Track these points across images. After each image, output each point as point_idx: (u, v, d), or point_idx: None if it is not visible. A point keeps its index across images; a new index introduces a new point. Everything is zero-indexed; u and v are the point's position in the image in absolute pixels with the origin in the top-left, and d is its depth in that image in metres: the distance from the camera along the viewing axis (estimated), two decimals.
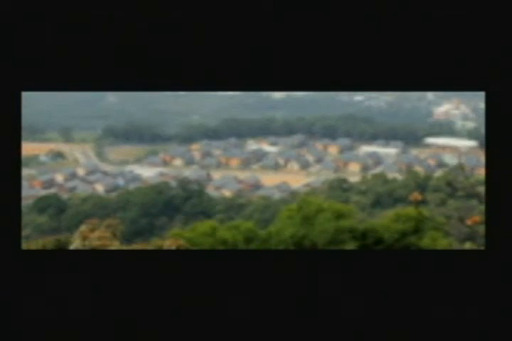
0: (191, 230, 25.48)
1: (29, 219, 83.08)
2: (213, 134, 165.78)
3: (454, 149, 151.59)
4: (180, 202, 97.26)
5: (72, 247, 10.23)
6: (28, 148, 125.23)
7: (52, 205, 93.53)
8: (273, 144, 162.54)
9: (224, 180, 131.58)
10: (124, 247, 10.07)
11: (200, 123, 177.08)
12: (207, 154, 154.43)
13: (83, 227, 10.27)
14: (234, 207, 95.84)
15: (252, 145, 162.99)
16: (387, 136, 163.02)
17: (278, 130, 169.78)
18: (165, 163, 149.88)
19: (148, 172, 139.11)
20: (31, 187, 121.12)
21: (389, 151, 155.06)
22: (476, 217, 6.23)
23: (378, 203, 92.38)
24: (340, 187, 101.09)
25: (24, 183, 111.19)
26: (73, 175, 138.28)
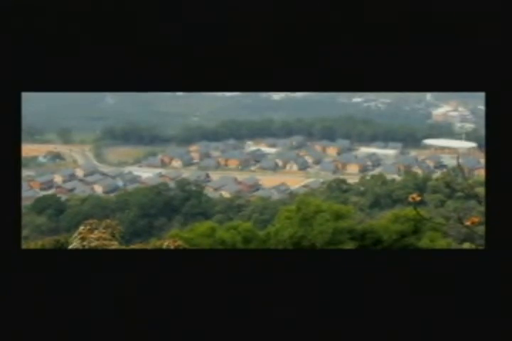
0: (190, 231, 25.56)
1: (28, 220, 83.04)
2: (212, 135, 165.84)
3: (452, 150, 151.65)
4: (179, 203, 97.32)
5: (70, 248, 10.22)
6: (26, 150, 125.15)
7: (51, 206, 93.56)
8: (272, 145, 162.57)
9: (223, 181, 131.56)
10: (123, 248, 10.07)
11: (199, 124, 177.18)
12: (206, 155, 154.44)
13: (82, 228, 10.26)
14: (233, 208, 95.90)
15: (250, 146, 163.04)
16: (386, 137, 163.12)
17: (277, 131, 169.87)
18: (164, 164, 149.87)
19: (147, 174, 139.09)
20: (29, 189, 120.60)
21: (388, 152, 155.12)
22: (475, 217, 6.23)
23: (377, 204, 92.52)
24: (339, 188, 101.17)
25: (22, 184, 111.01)
26: (72, 176, 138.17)
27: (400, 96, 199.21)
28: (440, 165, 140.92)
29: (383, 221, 27.16)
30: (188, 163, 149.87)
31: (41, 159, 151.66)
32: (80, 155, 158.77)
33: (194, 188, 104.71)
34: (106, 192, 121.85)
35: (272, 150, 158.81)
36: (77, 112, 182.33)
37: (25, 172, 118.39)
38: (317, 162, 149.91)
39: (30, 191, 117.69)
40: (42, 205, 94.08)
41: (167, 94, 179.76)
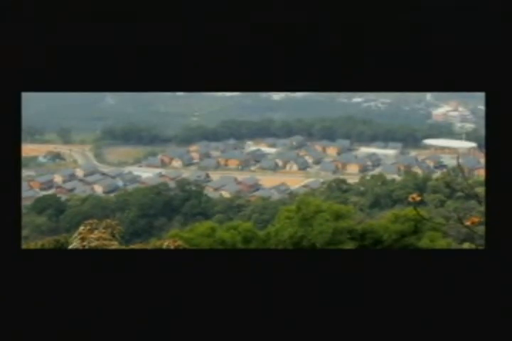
0: (190, 231, 25.56)
1: (28, 220, 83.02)
2: (212, 135, 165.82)
3: (452, 150, 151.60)
4: (179, 203, 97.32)
5: (70, 248, 10.21)
6: (26, 150, 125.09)
7: (51, 206, 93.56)
8: (272, 145, 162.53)
9: (223, 181, 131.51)
10: (123, 248, 10.06)
11: (199, 124, 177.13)
12: (206, 155, 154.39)
13: (82, 228, 10.25)
14: (233, 208, 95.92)
15: (250, 146, 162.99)
16: (386, 137, 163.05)
17: (277, 131, 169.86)
18: (164, 164, 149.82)
19: (147, 174, 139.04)
20: (29, 189, 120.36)
21: (388, 152, 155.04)
22: (475, 217, 6.22)
23: (377, 204, 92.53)
24: (339, 188, 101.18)
25: (22, 184, 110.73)
26: (72, 176, 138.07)
27: (400, 96, 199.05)
28: (440, 165, 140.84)
29: (383, 221, 27.16)
30: (188, 163, 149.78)
31: (41, 159, 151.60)
32: (79, 155, 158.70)
33: (194, 188, 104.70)
34: (106, 192, 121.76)
35: (272, 150, 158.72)
36: (77, 112, 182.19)
37: (25, 173, 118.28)
38: (317, 162, 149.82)
39: (30, 191, 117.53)
40: (42, 205, 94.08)
41: (167, 94, 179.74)
